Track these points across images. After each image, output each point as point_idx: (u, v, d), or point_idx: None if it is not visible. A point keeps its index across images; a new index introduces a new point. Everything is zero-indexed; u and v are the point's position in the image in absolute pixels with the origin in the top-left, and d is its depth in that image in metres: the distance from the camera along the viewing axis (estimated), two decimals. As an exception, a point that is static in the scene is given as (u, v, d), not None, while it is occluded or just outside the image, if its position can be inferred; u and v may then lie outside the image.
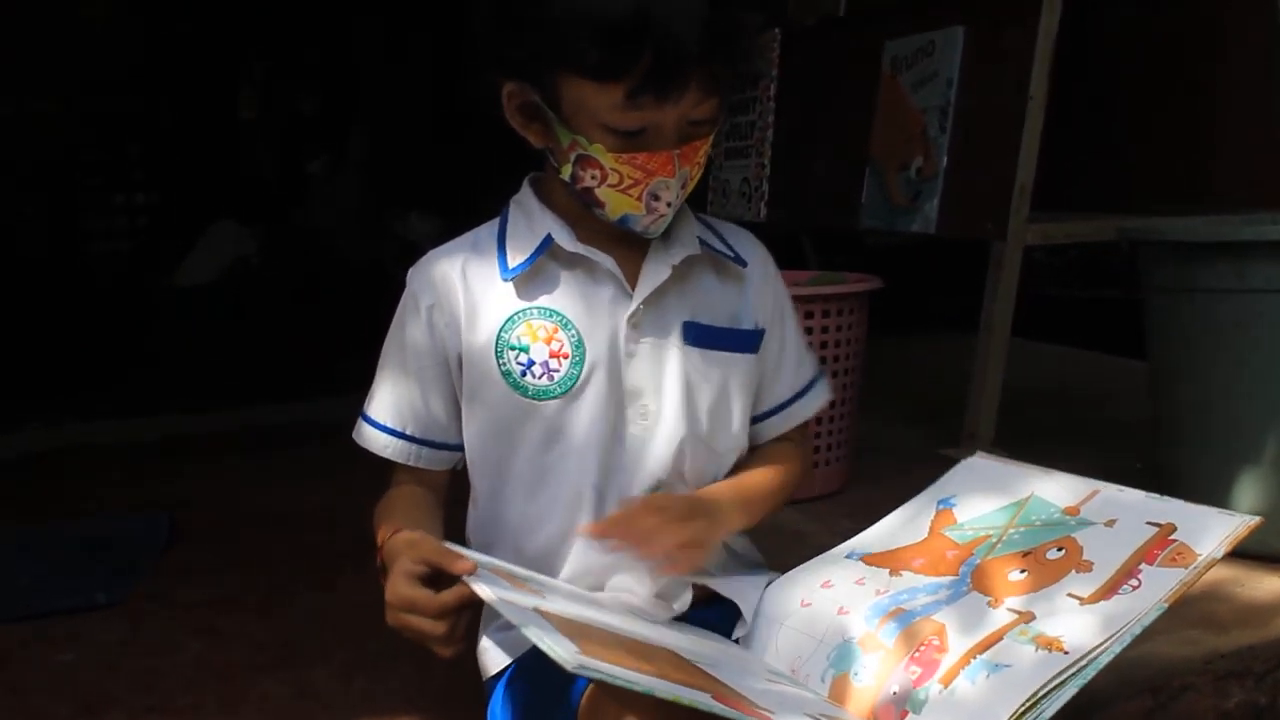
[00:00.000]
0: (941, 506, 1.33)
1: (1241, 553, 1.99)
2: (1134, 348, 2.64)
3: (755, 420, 1.42)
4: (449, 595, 1.06)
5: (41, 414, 3.79)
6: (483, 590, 1.03)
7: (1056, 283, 6.22)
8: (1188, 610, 1.84)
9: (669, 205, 1.23)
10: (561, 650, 0.92)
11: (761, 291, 1.40)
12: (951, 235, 2.56)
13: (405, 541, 1.14)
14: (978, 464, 1.41)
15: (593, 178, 1.22)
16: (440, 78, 7.17)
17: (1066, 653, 1.00)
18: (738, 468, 1.41)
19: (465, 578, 1.05)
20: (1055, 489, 1.27)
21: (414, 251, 1.39)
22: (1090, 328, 4.63)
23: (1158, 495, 1.20)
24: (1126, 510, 1.18)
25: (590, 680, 0.96)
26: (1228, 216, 2.16)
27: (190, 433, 3.58)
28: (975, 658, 1.03)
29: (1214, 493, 2.01)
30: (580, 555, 1.30)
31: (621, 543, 1.20)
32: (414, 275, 1.36)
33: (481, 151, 3.52)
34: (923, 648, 1.08)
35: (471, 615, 1.12)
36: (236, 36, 7.45)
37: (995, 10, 2.47)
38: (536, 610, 1.04)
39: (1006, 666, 1.00)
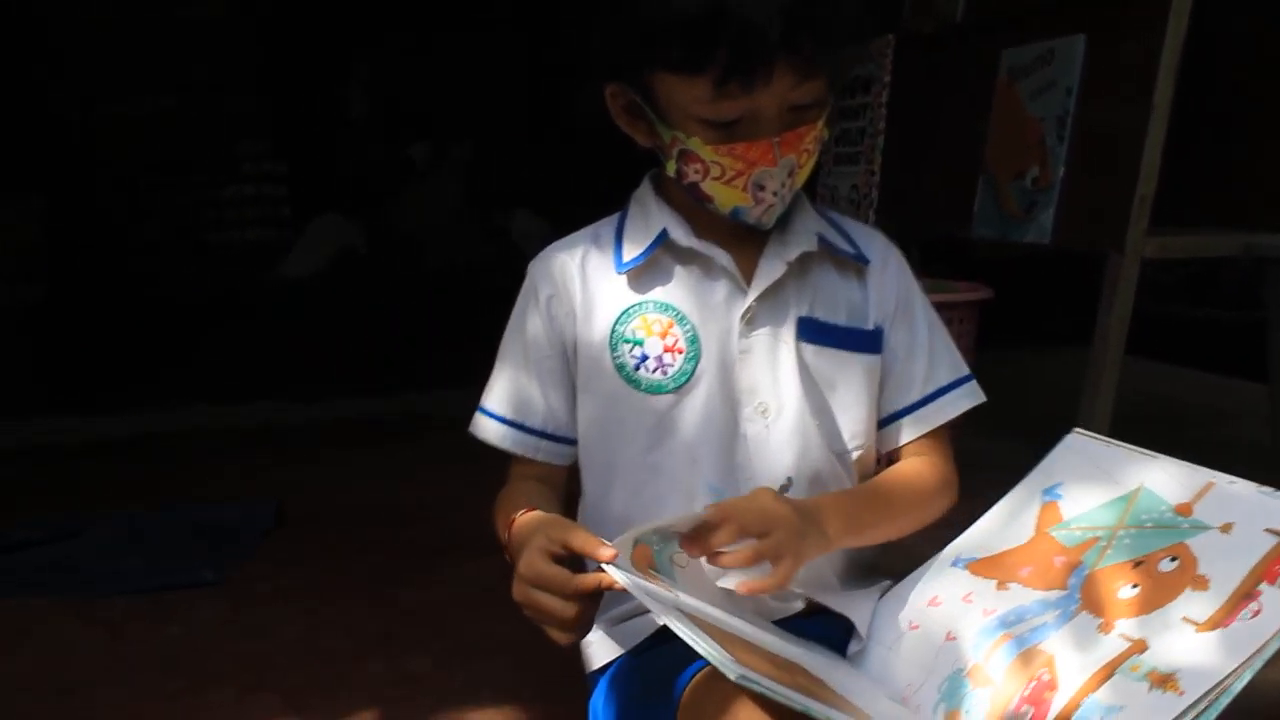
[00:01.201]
0: (1046, 499, 1.27)
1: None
2: (1245, 368, 2.56)
3: (884, 423, 1.37)
4: (587, 579, 1.03)
5: (155, 398, 3.89)
6: (622, 578, 1.01)
7: (1164, 300, 6.09)
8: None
9: (775, 194, 1.21)
10: (719, 655, 0.91)
11: (883, 288, 1.36)
12: (1067, 246, 2.51)
13: (543, 520, 1.13)
14: (1079, 443, 1.35)
15: (696, 172, 1.21)
16: (544, 79, 7.23)
17: (1182, 693, 0.96)
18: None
19: (606, 565, 1.03)
20: (1165, 480, 1.21)
21: (516, 253, 1.40)
22: (1199, 346, 4.53)
23: (1271, 489, 1.15)
24: (1243, 512, 1.12)
25: (747, 690, 0.93)
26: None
27: (297, 422, 3.64)
28: (1086, 697, 1.00)
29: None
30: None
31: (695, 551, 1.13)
32: (534, 267, 1.36)
33: (587, 155, 3.53)
34: (1033, 683, 1.05)
35: (596, 608, 1.10)
36: (343, 36, 7.57)
37: (1118, 19, 2.41)
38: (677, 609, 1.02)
39: (1120, 709, 0.97)
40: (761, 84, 1.12)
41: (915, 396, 1.36)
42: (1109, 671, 1.01)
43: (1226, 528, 1.11)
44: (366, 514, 2.61)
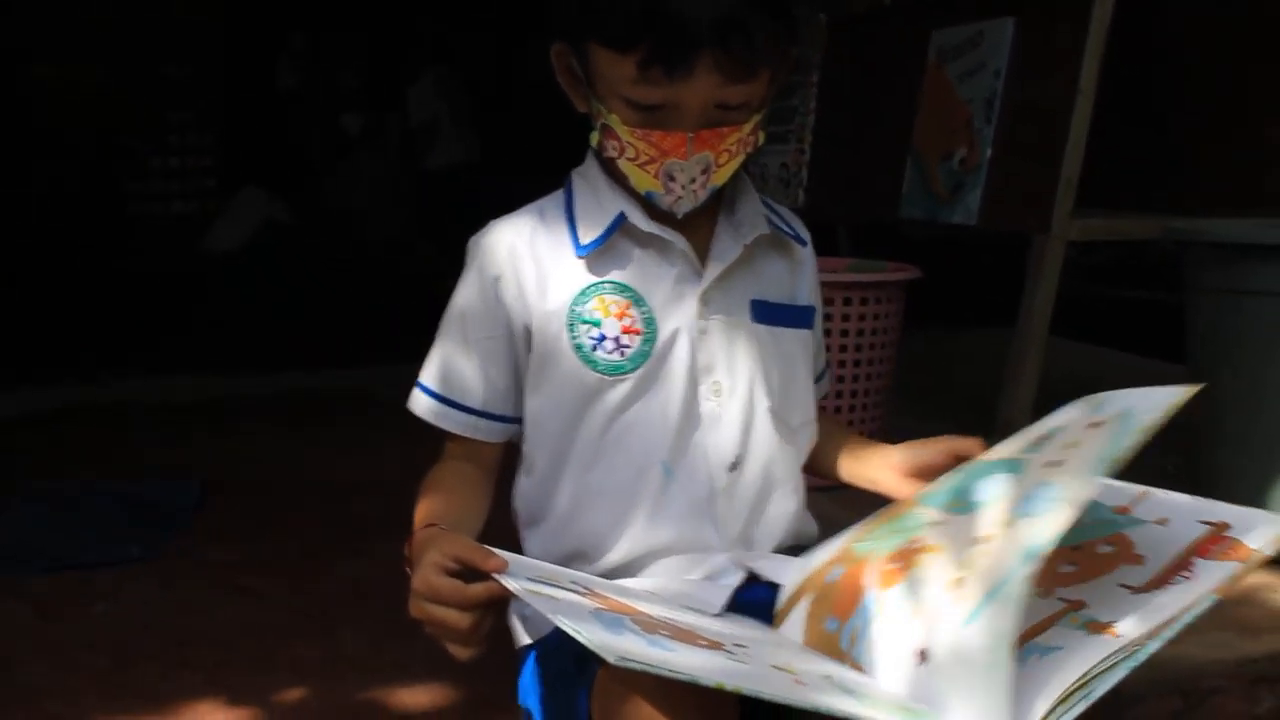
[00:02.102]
0: None
1: (1276, 559, 2.00)
2: (1165, 349, 2.62)
3: None
4: (478, 588, 1.02)
5: (78, 371, 3.83)
6: (511, 584, 1.02)
7: (1087, 281, 6.19)
8: (1220, 614, 1.82)
9: (684, 188, 1.22)
10: (598, 641, 0.92)
11: (811, 269, 1.42)
12: (993, 227, 2.54)
13: (435, 535, 1.11)
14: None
15: (613, 149, 1.22)
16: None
17: (1118, 636, 0.99)
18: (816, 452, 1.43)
19: (495, 575, 1.04)
20: (1104, 492, 1.26)
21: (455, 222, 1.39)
22: (1122, 327, 4.62)
23: (1209, 500, 1.19)
24: (1178, 510, 1.16)
25: (630, 670, 0.94)
26: (1277, 220, 2.14)
27: (226, 396, 3.60)
28: (1026, 643, 1.03)
29: (1253, 495, 2.00)
30: (639, 535, 1.30)
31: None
32: (476, 246, 1.34)
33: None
34: None
35: (496, 618, 1.10)
36: (278, 4, 7.47)
37: (1047, 2, 2.45)
38: (583, 598, 1.04)
39: (1057, 649, 1.00)
40: (682, 75, 1.12)
41: (815, 372, 1.45)
42: (1049, 623, 1.04)
43: (1162, 521, 1.14)
44: (300, 490, 2.60)
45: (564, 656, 1.25)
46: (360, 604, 1.93)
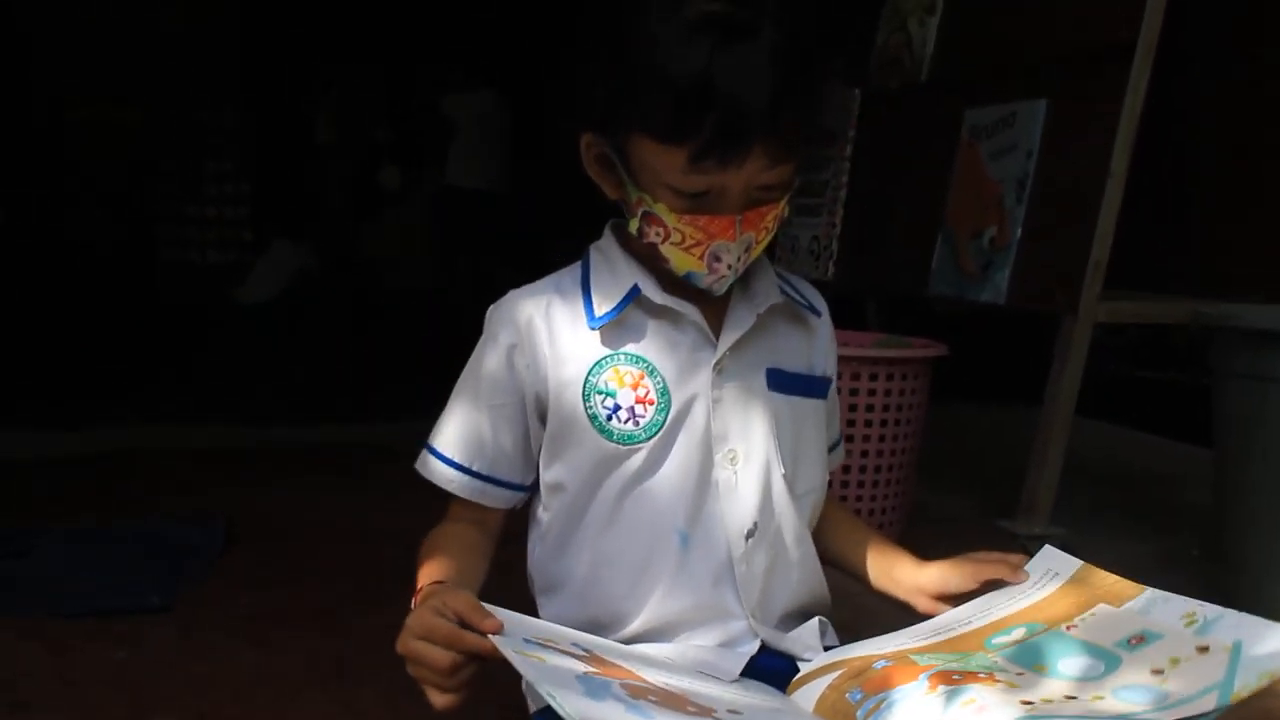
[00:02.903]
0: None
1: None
2: (1189, 431, 2.62)
3: None
4: (470, 636, 1.04)
5: (107, 415, 3.86)
6: (503, 647, 1.03)
7: (1114, 361, 6.18)
8: (1245, 708, 1.81)
9: (729, 268, 1.24)
10: (571, 706, 0.92)
11: (827, 340, 1.43)
12: (1022, 306, 2.56)
13: (439, 589, 1.13)
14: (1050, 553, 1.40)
15: (657, 234, 1.23)
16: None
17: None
18: (823, 523, 1.44)
19: (489, 636, 1.03)
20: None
21: (484, 284, 1.41)
22: (1146, 408, 4.60)
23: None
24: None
25: None
26: (1305, 308, 2.14)
27: (251, 445, 3.63)
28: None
29: (1277, 579, 2.00)
30: (658, 604, 1.30)
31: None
32: (495, 314, 1.37)
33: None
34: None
35: (478, 673, 1.10)
36: (315, 60, 7.57)
37: (1080, 85, 2.48)
38: (578, 661, 1.05)
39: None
40: (737, 162, 1.14)
41: (829, 441, 1.46)
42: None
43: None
44: (321, 540, 2.61)
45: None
46: (378, 657, 1.93)
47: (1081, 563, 1.32)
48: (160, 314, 6.03)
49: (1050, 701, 1.04)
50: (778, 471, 1.32)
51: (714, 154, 1.12)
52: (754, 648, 1.31)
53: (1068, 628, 1.20)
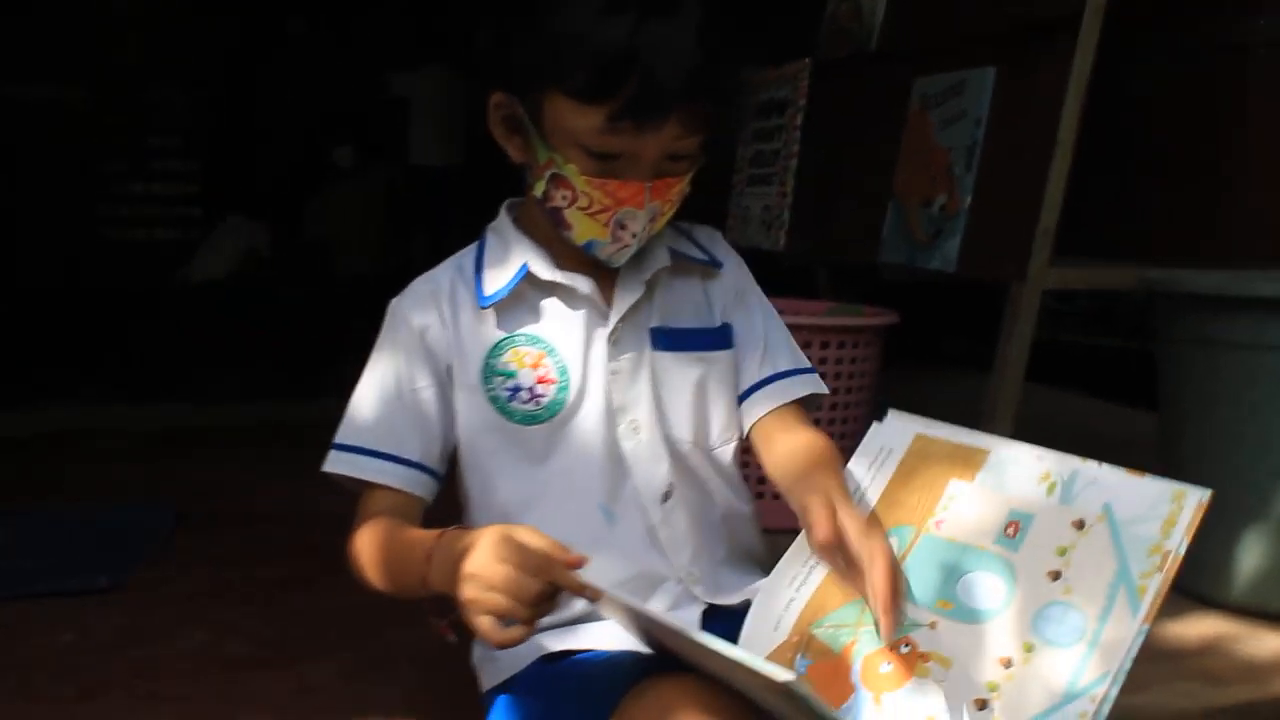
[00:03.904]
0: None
1: (1241, 609, 2.02)
2: (1137, 396, 2.64)
3: (745, 396, 1.40)
4: (561, 568, 1.00)
5: (53, 396, 3.82)
6: (597, 582, 1.01)
7: (1067, 328, 6.24)
8: (1186, 664, 1.84)
9: (634, 236, 1.24)
10: (773, 669, 0.91)
11: (724, 285, 1.41)
12: (971, 274, 2.57)
13: (502, 528, 1.05)
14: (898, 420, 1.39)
15: (563, 198, 1.23)
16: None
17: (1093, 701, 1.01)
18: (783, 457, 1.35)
19: (579, 572, 1.01)
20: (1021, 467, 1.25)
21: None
22: (1099, 375, 4.65)
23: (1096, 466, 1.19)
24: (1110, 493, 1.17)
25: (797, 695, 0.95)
26: (1250, 272, 2.16)
27: (200, 425, 3.59)
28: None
29: (1221, 545, 2.02)
30: (595, 578, 1.29)
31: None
32: (400, 303, 1.35)
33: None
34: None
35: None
36: (262, 34, 7.47)
37: (1028, 53, 2.48)
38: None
39: None
40: (653, 128, 1.15)
41: (754, 379, 1.39)
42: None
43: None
44: (272, 520, 2.60)
45: (533, 697, 1.25)
46: (327, 636, 1.93)
47: (915, 432, 1.32)
48: (107, 293, 5.94)
49: (997, 690, 1.05)
50: (682, 431, 1.33)
51: (631, 116, 1.13)
52: (697, 612, 1.32)
53: (936, 525, 1.21)
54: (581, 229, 1.24)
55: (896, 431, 1.34)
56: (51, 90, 6.71)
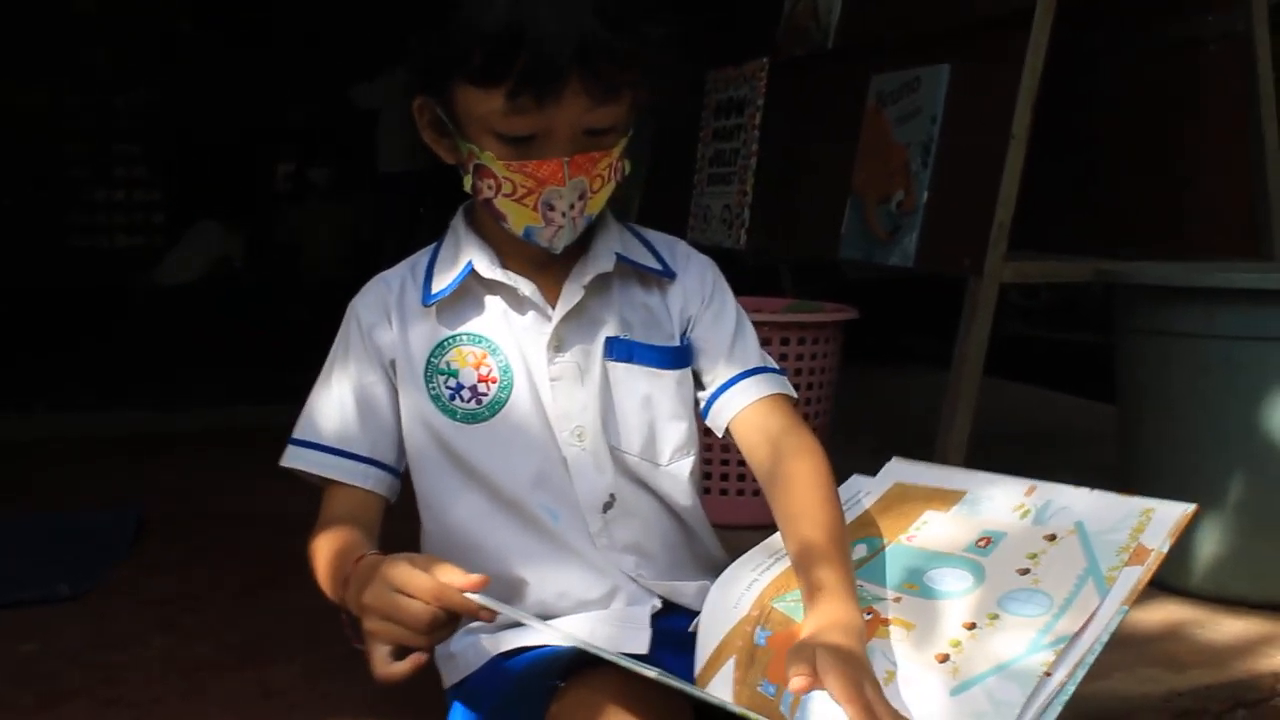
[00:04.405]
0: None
1: (1201, 595, 2.04)
2: (1102, 390, 2.67)
3: (705, 409, 1.39)
4: (453, 591, 0.99)
5: (13, 403, 3.79)
6: (489, 601, 1.02)
7: (1029, 323, 6.28)
8: (1147, 649, 1.86)
9: (564, 215, 1.24)
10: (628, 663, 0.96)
11: (686, 293, 1.39)
12: (929, 269, 2.59)
13: (404, 556, 1.06)
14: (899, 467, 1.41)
15: (489, 188, 1.24)
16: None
17: (1049, 675, 1.02)
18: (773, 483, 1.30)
19: (472, 594, 1.00)
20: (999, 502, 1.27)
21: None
22: (1059, 369, 4.68)
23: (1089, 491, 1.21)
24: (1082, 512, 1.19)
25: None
26: (1201, 263, 2.19)
27: (162, 430, 3.57)
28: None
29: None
30: (546, 578, 1.30)
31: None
32: (357, 301, 1.37)
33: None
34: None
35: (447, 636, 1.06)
36: (233, 40, 7.44)
37: (981, 49, 2.50)
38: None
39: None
40: (552, 100, 1.15)
41: (724, 378, 1.37)
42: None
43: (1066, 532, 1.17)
44: (235, 523, 2.59)
45: (490, 696, 1.26)
46: (293, 638, 1.92)
47: (895, 480, 1.34)
48: (72, 298, 5.90)
49: (959, 646, 1.06)
50: (630, 444, 1.33)
51: (528, 91, 1.14)
52: (649, 608, 1.33)
53: (907, 539, 1.23)
54: (515, 217, 1.24)
55: (880, 479, 1.37)
56: (11, 96, 6.66)
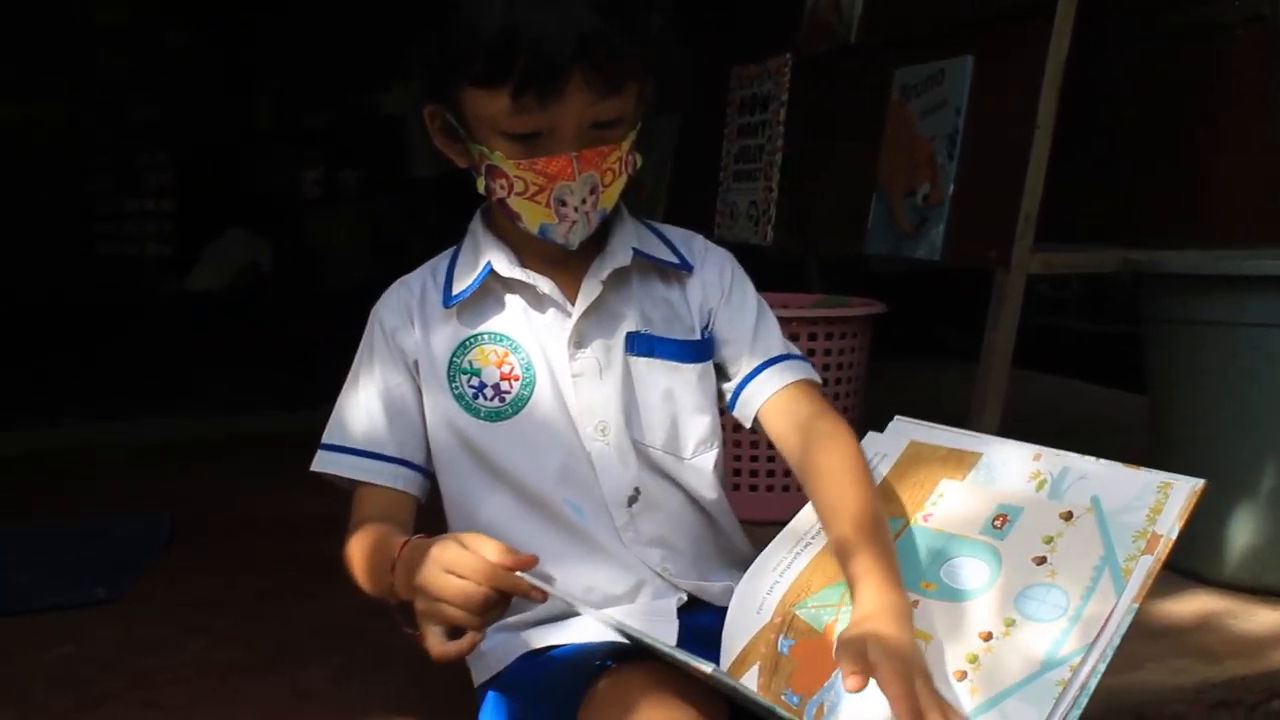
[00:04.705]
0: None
1: (1235, 585, 2.03)
2: (1132, 380, 2.65)
3: (732, 400, 1.39)
4: (505, 571, 1.02)
5: (47, 414, 3.82)
6: (543, 583, 1.03)
7: (1059, 315, 6.24)
8: (1180, 640, 1.85)
9: (577, 210, 1.24)
10: (698, 661, 0.97)
11: (705, 286, 1.40)
12: (956, 262, 2.57)
13: (449, 537, 1.09)
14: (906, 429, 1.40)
15: (502, 188, 1.24)
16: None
17: (1073, 670, 1.02)
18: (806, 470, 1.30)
19: (526, 573, 1.04)
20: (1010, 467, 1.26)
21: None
22: (1091, 360, 4.65)
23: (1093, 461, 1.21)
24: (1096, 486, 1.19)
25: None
26: (1229, 251, 2.17)
27: (191, 437, 3.60)
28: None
29: (1207, 524, 2.02)
30: (572, 573, 1.30)
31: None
32: (379, 306, 1.39)
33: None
34: None
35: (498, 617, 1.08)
36: (253, 48, 7.47)
37: (1005, 40, 2.49)
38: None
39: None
40: (555, 97, 1.16)
41: (748, 369, 1.37)
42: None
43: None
44: (265, 528, 2.61)
45: (529, 685, 1.27)
46: (322, 639, 1.93)
47: (911, 438, 1.34)
48: (99, 309, 5.94)
49: (976, 662, 1.06)
50: (654, 438, 1.33)
51: (531, 89, 1.14)
52: (675, 601, 1.33)
53: (925, 518, 1.22)
54: (529, 215, 1.25)
55: (893, 437, 1.36)
56: (34, 110, 6.70)
